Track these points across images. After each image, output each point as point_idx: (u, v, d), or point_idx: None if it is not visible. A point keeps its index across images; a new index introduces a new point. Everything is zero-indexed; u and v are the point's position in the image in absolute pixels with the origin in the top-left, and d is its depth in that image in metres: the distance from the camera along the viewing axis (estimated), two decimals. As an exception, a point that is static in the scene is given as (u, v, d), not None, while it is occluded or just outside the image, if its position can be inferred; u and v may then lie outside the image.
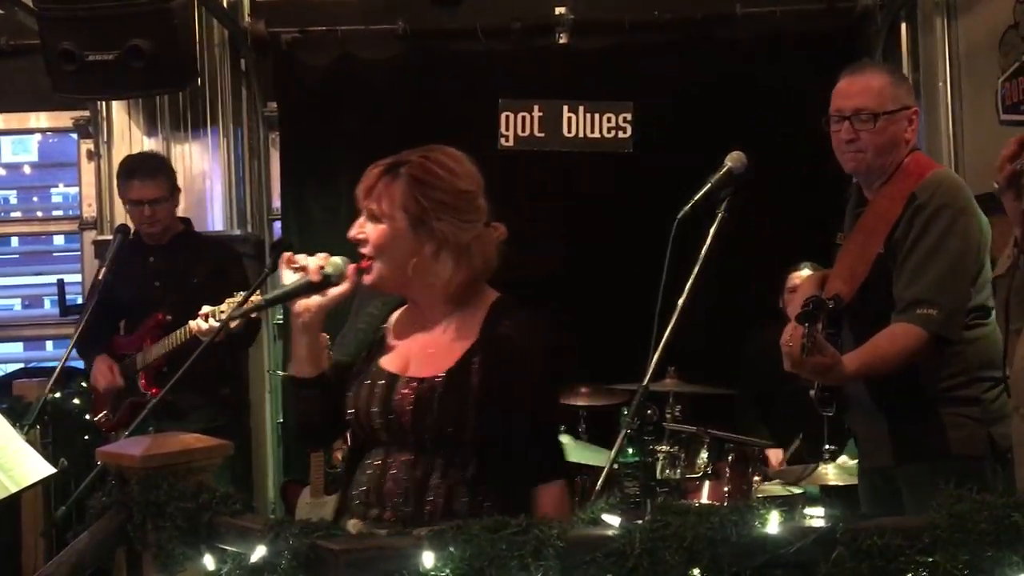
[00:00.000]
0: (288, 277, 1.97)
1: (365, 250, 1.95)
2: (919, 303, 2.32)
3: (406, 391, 1.92)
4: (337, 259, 1.96)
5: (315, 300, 1.94)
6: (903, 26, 4.53)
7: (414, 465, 1.91)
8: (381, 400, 1.94)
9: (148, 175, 3.70)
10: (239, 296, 3.09)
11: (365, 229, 1.95)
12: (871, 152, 2.46)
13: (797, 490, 3.44)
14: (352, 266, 1.96)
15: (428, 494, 1.89)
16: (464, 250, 1.94)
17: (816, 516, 3.01)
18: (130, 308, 3.69)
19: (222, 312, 3.02)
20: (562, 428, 2.14)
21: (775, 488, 3.53)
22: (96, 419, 3.71)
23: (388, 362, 2.00)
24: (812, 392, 2.49)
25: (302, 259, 1.96)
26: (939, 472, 2.34)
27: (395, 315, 2.08)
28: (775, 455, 3.77)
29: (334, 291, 1.94)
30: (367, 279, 1.96)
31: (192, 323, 3.13)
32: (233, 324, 2.30)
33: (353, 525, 1.91)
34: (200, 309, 3.04)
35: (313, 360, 1.98)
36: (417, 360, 1.98)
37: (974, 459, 2.38)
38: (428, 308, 2.01)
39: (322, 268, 1.94)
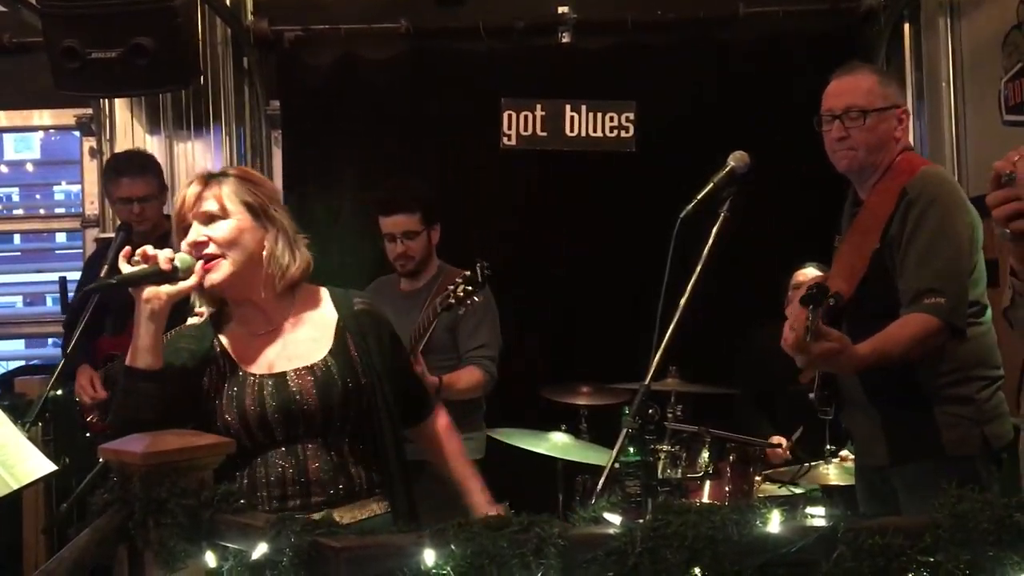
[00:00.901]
0: (125, 268, 1.99)
1: (212, 249, 2.01)
2: (926, 293, 2.35)
3: (302, 382, 2.03)
4: (185, 255, 2.00)
5: (165, 289, 1.97)
6: (906, 26, 4.53)
7: (326, 448, 2.04)
8: (276, 400, 2.02)
9: (137, 172, 3.69)
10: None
11: (205, 231, 2.02)
12: (863, 149, 2.51)
13: (798, 490, 3.44)
14: (200, 265, 2.01)
15: (352, 469, 2.06)
16: (295, 241, 2.10)
17: (817, 515, 3.01)
18: (117, 307, 3.67)
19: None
20: None
21: (777, 488, 3.53)
22: (88, 420, 3.70)
23: (254, 366, 2.07)
24: (811, 395, 2.51)
25: (150, 250, 1.99)
26: (934, 472, 2.37)
27: (225, 333, 2.12)
28: (778, 441, 3.75)
29: (182, 284, 1.99)
30: (212, 277, 2.02)
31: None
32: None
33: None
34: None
35: (155, 351, 1.99)
36: (288, 354, 2.08)
37: (968, 458, 2.41)
38: (269, 306, 2.10)
39: (171, 259, 1.98)
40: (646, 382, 2.28)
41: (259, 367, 2.07)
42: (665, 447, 3.55)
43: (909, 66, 4.51)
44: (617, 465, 2.28)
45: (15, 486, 2.57)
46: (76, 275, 4.93)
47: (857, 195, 2.61)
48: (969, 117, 4.27)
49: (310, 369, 2.05)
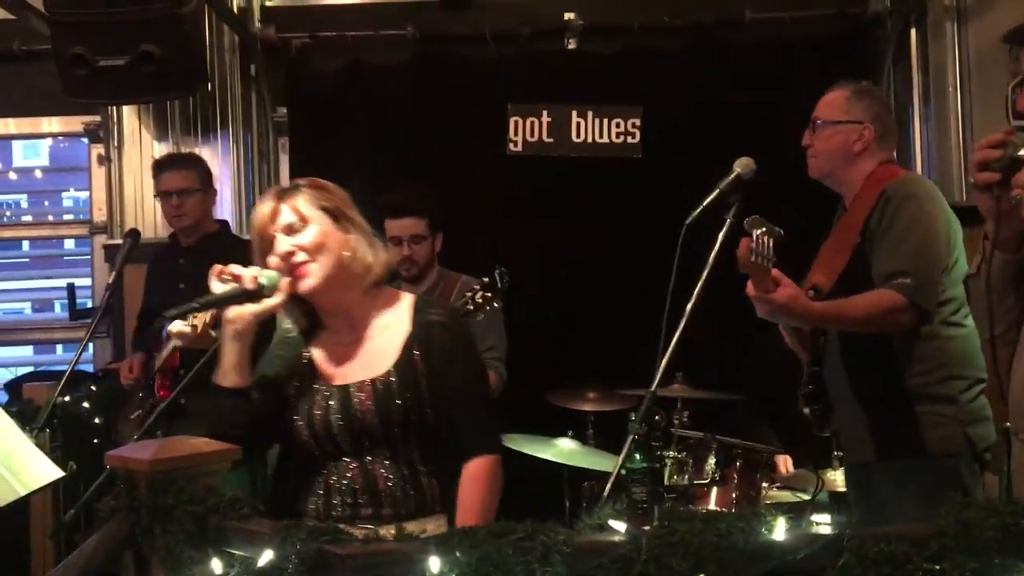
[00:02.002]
0: (216, 287, 2.02)
1: (301, 257, 2.02)
2: (894, 275, 2.43)
3: (363, 395, 2.03)
4: (271, 271, 2.01)
5: (249, 308, 1.99)
6: (913, 31, 4.52)
7: (395, 460, 2.03)
8: (340, 412, 2.03)
9: (178, 167, 3.81)
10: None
11: (291, 241, 2.02)
12: (820, 157, 2.70)
13: (805, 496, 3.43)
14: (286, 280, 2.01)
15: (422, 480, 2.03)
16: (372, 241, 2.10)
17: (823, 523, 3.01)
18: (164, 309, 3.71)
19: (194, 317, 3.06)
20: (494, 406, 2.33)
21: (783, 495, 3.52)
22: (131, 417, 3.73)
23: (328, 378, 2.08)
24: (806, 410, 2.56)
25: (236, 269, 2.00)
26: (918, 470, 2.45)
27: (316, 341, 2.14)
28: (784, 461, 3.76)
29: (268, 302, 2.00)
30: (308, 283, 2.02)
31: (172, 326, 3.15)
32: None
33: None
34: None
35: (241, 370, 2.02)
36: (358, 366, 2.08)
37: (951, 457, 2.46)
38: (355, 311, 2.10)
39: (256, 278, 1.98)
40: (652, 388, 2.28)
41: (334, 378, 2.08)
42: (671, 453, 3.55)
43: (916, 71, 4.50)
44: (623, 471, 2.29)
45: (23, 492, 2.58)
46: (84, 281, 4.96)
47: (844, 206, 2.72)
48: (976, 122, 4.26)
49: (371, 382, 2.04)
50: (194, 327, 3.12)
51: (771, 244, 2.20)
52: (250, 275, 1.99)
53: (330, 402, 2.04)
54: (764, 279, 2.23)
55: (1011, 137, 1.81)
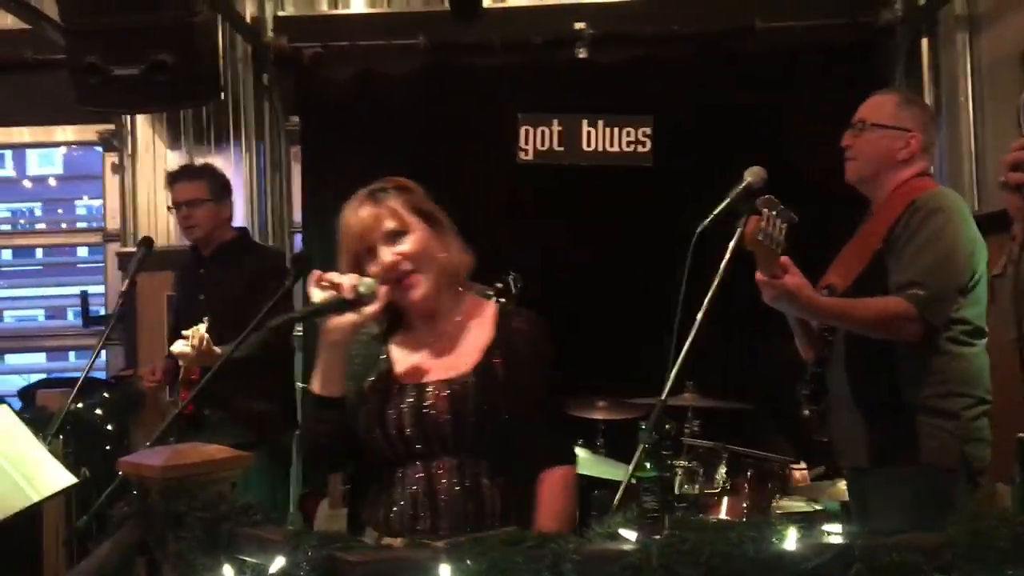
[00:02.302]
0: (316, 295, 1.96)
1: (406, 267, 1.98)
2: (909, 285, 2.41)
3: (437, 394, 1.97)
4: (369, 279, 1.96)
5: (348, 318, 1.94)
6: (924, 41, 4.52)
7: (460, 469, 1.95)
8: (412, 410, 1.97)
9: (187, 178, 3.82)
10: (203, 322, 3.15)
11: (393, 253, 1.98)
12: (861, 160, 2.63)
13: (817, 506, 3.42)
14: (384, 287, 1.96)
15: (482, 493, 1.94)
16: (457, 239, 2.07)
17: (835, 532, 2.99)
18: (187, 320, 3.73)
19: (193, 337, 3.09)
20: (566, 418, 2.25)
21: (795, 504, 3.51)
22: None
23: (405, 377, 2.03)
24: (805, 412, 2.54)
25: (335, 277, 1.96)
26: (907, 479, 2.42)
27: (393, 342, 2.09)
28: (802, 474, 3.74)
29: (366, 310, 1.95)
30: (418, 293, 1.99)
31: (174, 346, 3.19)
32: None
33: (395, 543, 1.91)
34: (235, 323, 3.09)
35: (339, 379, 1.99)
36: (437, 366, 2.02)
37: (944, 471, 2.43)
38: (442, 312, 2.05)
39: (355, 287, 1.93)
40: (663, 397, 2.27)
41: (410, 377, 2.02)
42: (682, 463, 3.54)
43: (927, 81, 4.50)
44: (634, 480, 2.28)
45: (36, 498, 2.60)
46: (97, 289, 4.99)
47: (872, 211, 2.68)
48: (988, 132, 4.25)
49: (448, 383, 1.98)
50: (194, 347, 3.15)
51: (782, 227, 2.17)
52: (349, 284, 1.93)
53: (406, 400, 1.98)
54: (772, 262, 2.21)
55: None
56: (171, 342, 3.94)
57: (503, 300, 3.09)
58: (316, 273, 1.99)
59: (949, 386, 2.46)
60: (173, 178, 3.87)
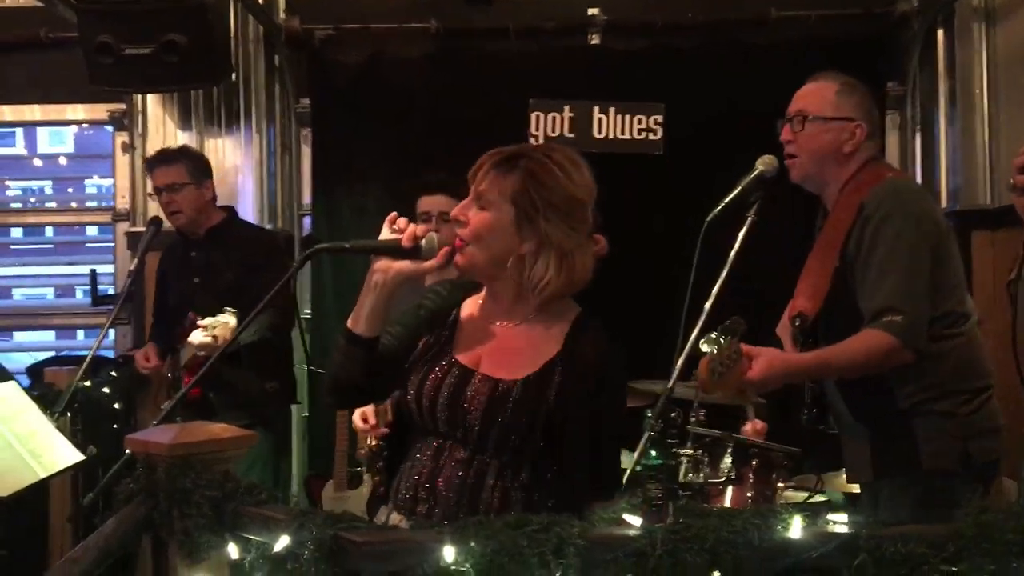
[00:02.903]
0: (384, 234, 1.94)
1: (463, 233, 1.93)
2: (883, 312, 2.30)
3: (480, 389, 1.90)
4: (433, 235, 1.92)
5: (398, 264, 1.89)
6: (940, 32, 4.48)
7: (469, 463, 1.89)
8: (451, 391, 1.91)
9: (166, 162, 3.78)
10: (228, 313, 3.13)
11: (468, 212, 1.94)
12: (804, 156, 2.50)
13: (821, 497, 3.41)
14: (445, 248, 1.92)
15: (483, 494, 1.87)
16: (565, 256, 1.92)
17: (839, 522, 2.98)
18: (180, 304, 3.73)
19: (214, 328, 3.07)
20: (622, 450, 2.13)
21: (799, 495, 3.50)
22: (162, 407, 3.75)
23: (461, 353, 1.97)
24: (804, 414, 2.50)
25: (403, 222, 1.93)
26: (910, 486, 2.35)
27: (468, 303, 2.04)
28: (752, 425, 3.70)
29: (420, 264, 1.90)
30: (459, 259, 1.93)
31: (192, 337, 3.17)
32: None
33: (395, 521, 1.91)
34: (232, 305, 3.09)
35: (373, 320, 1.92)
36: (493, 359, 1.95)
37: (946, 474, 2.33)
38: (512, 305, 1.97)
39: (416, 237, 1.89)
40: (669, 385, 2.27)
41: (465, 356, 1.96)
42: (687, 451, 3.53)
43: (942, 72, 4.46)
44: (639, 468, 2.28)
45: (43, 475, 2.62)
46: (107, 268, 5.00)
47: (825, 209, 2.58)
48: (1003, 125, 4.22)
49: (496, 382, 1.90)
50: (215, 338, 3.14)
51: (732, 344, 2.09)
52: (409, 233, 1.89)
53: (449, 376, 1.93)
54: (737, 379, 2.15)
55: None
56: (159, 322, 3.94)
57: None
58: (392, 214, 1.95)
59: (940, 387, 2.37)
60: (151, 163, 3.84)
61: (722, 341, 2.07)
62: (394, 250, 1.89)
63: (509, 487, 1.88)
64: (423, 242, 1.89)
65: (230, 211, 3.97)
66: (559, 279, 1.91)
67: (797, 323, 2.40)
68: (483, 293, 2.03)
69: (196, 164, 3.83)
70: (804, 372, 2.35)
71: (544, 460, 1.90)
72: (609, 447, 1.98)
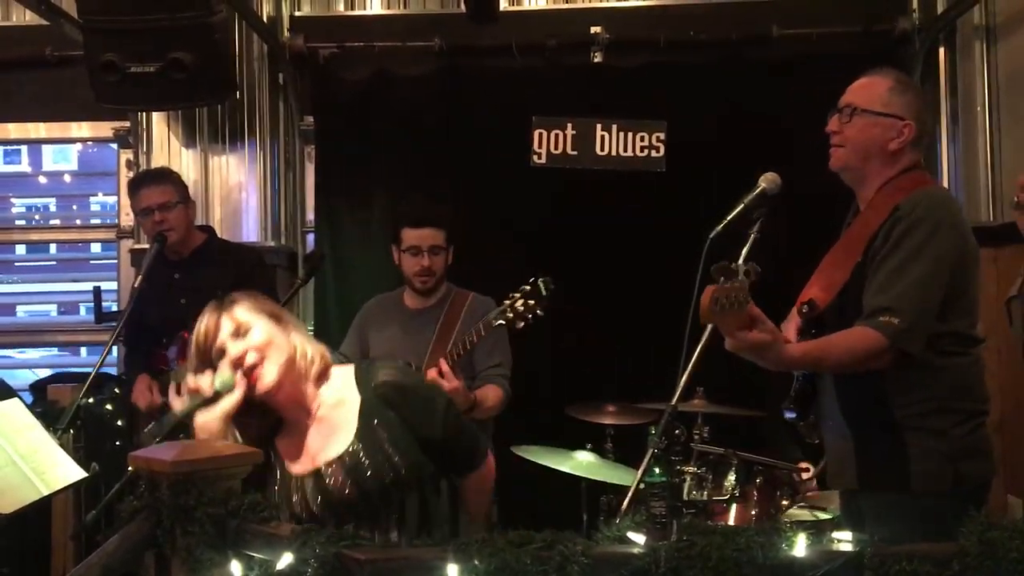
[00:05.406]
0: (178, 404, 2.10)
1: (252, 357, 2.08)
2: (883, 311, 2.27)
3: (333, 472, 2.10)
4: (224, 372, 2.08)
5: (215, 413, 2.05)
6: (942, 50, 4.49)
7: (384, 531, 2.10)
8: (316, 494, 2.10)
9: (154, 182, 3.78)
10: None
11: (241, 344, 2.09)
12: (849, 148, 2.46)
13: (826, 515, 3.40)
14: (239, 375, 2.07)
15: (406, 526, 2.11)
16: (311, 335, 2.22)
17: (844, 540, 2.97)
18: (164, 326, 3.72)
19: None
20: (473, 427, 2.42)
21: (803, 513, 3.49)
22: (146, 431, 3.73)
23: (299, 466, 2.16)
24: (788, 414, 2.47)
25: (191, 382, 2.09)
26: (899, 505, 2.29)
27: (280, 436, 2.21)
28: (806, 467, 3.71)
29: (228, 399, 2.05)
30: (266, 379, 2.08)
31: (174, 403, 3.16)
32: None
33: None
34: None
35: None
36: (322, 446, 2.14)
37: (936, 495, 2.29)
38: (308, 401, 2.16)
39: (212, 384, 2.06)
40: (673, 402, 2.27)
41: (301, 466, 2.15)
42: (691, 469, 3.53)
43: (944, 90, 4.47)
44: (642, 485, 2.28)
45: (46, 492, 2.61)
46: (110, 285, 5.01)
47: (858, 207, 2.55)
48: (1004, 142, 4.23)
49: (340, 459, 2.11)
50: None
51: (743, 284, 2.05)
52: (207, 383, 2.06)
53: (307, 488, 2.12)
54: (735, 323, 2.10)
55: None
56: (135, 349, 3.89)
57: (532, 303, 3.05)
58: (173, 387, 2.15)
59: (936, 402, 2.33)
60: (138, 184, 3.82)
61: (738, 277, 2.04)
62: (203, 404, 2.05)
63: (421, 525, 2.12)
64: (218, 383, 2.06)
65: (211, 231, 3.99)
66: (318, 350, 2.20)
67: (805, 310, 2.36)
68: (286, 426, 2.20)
69: (181, 185, 3.85)
70: (792, 363, 2.32)
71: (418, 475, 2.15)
72: (461, 428, 2.26)
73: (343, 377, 2.20)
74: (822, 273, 2.46)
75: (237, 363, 2.08)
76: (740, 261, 2.13)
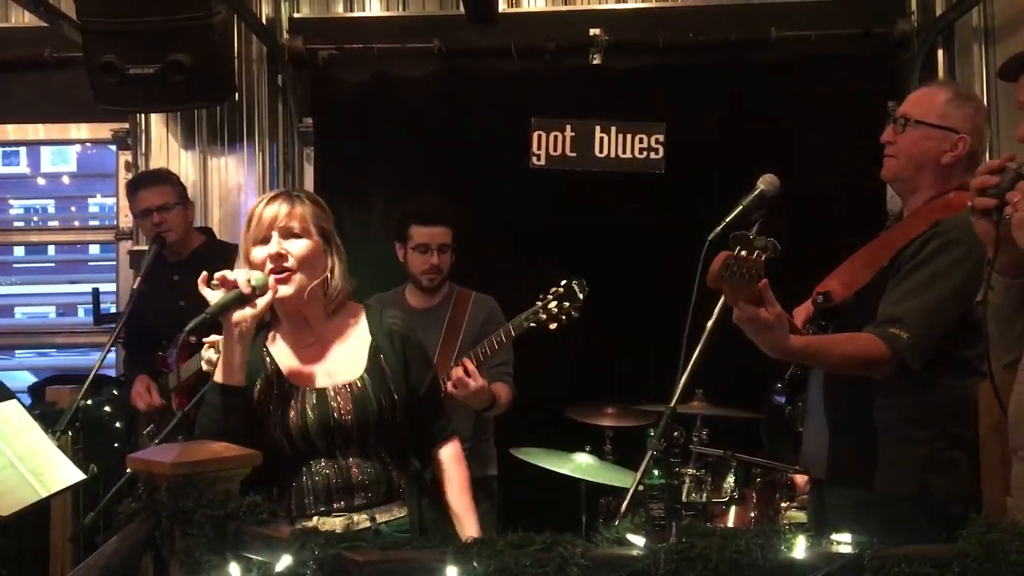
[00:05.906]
0: (212, 295, 2.11)
1: (289, 263, 2.14)
2: (894, 322, 2.27)
3: (340, 398, 2.16)
4: (258, 273, 2.12)
5: (250, 311, 2.10)
6: (940, 52, 4.50)
7: (366, 456, 2.17)
8: (317, 411, 2.15)
9: (153, 183, 3.80)
10: None
11: (286, 245, 2.14)
12: (902, 158, 2.45)
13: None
14: (274, 278, 2.12)
15: (392, 472, 2.19)
16: (347, 266, 2.26)
17: (844, 542, 2.97)
18: (163, 327, 3.72)
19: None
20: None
21: (803, 515, 3.49)
22: (144, 432, 3.74)
23: (299, 379, 2.19)
24: (777, 396, 2.47)
25: (229, 275, 2.10)
26: (860, 504, 2.30)
27: (271, 338, 2.26)
28: (801, 478, 3.73)
29: (261, 301, 2.11)
30: (286, 290, 2.14)
31: (203, 356, 3.15)
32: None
33: (322, 524, 2.06)
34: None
35: (244, 370, 2.13)
36: (327, 371, 2.21)
37: (903, 499, 2.29)
38: (317, 322, 2.23)
39: (250, 281, 2.09)
40: (672, 404, 2.26)
41: (303, 380, 2.20)
42: (690, 471, 3.52)
43: (942, 92, 4.47)
44: (641, 487, 2.28)
45: (44, 494, 2.61)
46: (109, 287, 5.01)
47: (902, 213, 2.55)
48: (1002, 145, 4.22)
49: (348, 386, 2.18)
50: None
51: (760, 257, 2.01)
52: (244, 279, 2.09)
53: (306, 405, 2.15)
54: (742, 293, 2.06)
55: (1010, 164, 1.78)
56: (135, 351, 3.89)
57: (567, 304, 3.06)
58: (204, 275, 2.14)
59: (921, 412, 2.33)
60: (136, 185, 3.84)
61: (754, 247, 1.99)
62: (241, 300, 2.09)
63: (400, 459, 2.21)
64: (254, 281, 2.10)
65: (210, 232, 3.99)
66: (346, 286, 2.25)
67: (820, 300, 2.35)
68: (280, 331, 2.25)
69: (179, 186, 3.87)
70: (792, 353, 2.28)
71: (405, 426, 2.24)
72: (430, 398, 2.33)
73: (357, 313, 2.28)
74: (847, 268, 2.46)
75: (274, 259, 2.12)
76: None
